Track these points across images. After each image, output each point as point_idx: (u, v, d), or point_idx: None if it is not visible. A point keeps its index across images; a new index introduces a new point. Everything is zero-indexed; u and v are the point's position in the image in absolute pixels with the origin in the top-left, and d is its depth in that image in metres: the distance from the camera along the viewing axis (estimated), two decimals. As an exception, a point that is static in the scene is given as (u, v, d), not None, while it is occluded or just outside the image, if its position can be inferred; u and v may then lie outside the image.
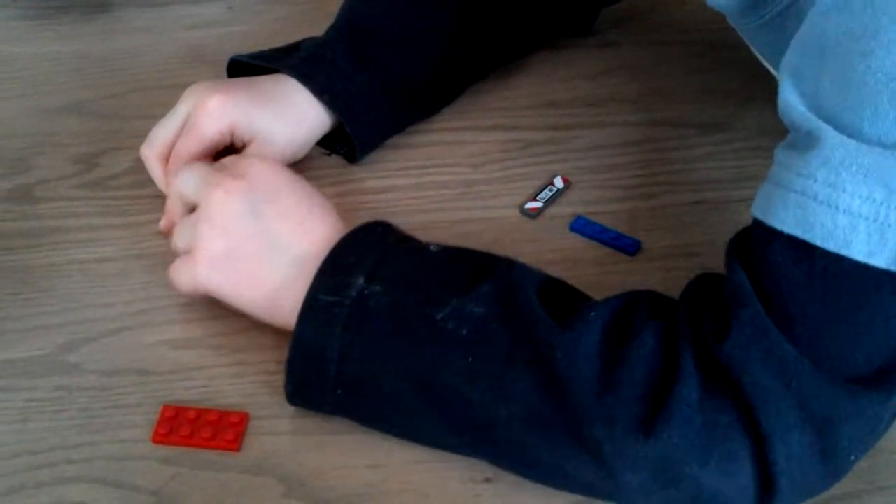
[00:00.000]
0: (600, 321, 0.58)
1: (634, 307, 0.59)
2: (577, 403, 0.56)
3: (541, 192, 0.79)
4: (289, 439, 0.64)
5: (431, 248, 0.64)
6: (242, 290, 0.65)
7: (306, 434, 0.64)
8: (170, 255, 0.72)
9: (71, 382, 0.67)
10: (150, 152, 0.75)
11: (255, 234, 0.64)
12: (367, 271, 0.61)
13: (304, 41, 0.82)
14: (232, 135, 0.75)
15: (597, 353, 0.57)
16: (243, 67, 0.80)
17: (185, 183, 0.69)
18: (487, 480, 0.62)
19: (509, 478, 0.61)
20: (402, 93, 0.81)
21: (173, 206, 0.71)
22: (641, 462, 0.55)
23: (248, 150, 0.75)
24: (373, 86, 0.79)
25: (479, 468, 0.62)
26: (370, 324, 0.60)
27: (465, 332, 0.58)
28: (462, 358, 0.58)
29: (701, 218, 0.78)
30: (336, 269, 0.62)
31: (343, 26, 0.82)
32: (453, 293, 0.60)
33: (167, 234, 0.72)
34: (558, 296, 0.61)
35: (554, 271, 0.70)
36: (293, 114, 0.77)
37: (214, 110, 0.74)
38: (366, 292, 0.61)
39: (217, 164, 0.70)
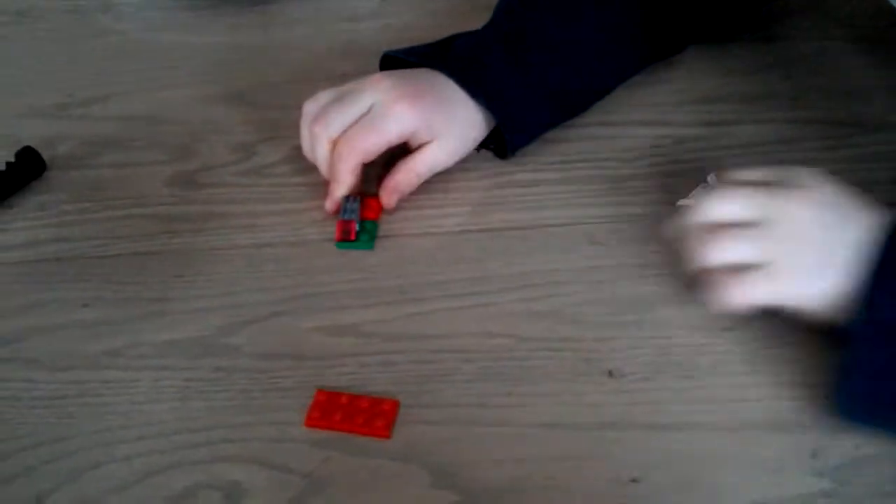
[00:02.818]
0: None
1: None
2: None
3: (694, 189, 0.78)
4: (437, 429, 0.65)
5: None
6: (816, 297, 0.65)
7: (454, 425, 0.65)
8: (326, 242, 0.76)
9: (229, 364, 0.69)
10: (326, 134, 0.76)
11: (835, 240, 0.64)
12: None
13: (457, 37, 0.82)
14: (410, 137, 0.76)
15: None
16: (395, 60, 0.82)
17: (733, 207, 0.67)
18: (633, 480, 0.61)
19: (655, 479, 0.61)
20: (556, 94, 0.81)
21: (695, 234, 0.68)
22: None
23: (424, 152, 0.76)
24: (528, 88, 0.79)
25: (627, 467, 0.62)
26: None
27: None
28: None
29: (860, 220, 0.76)
30: (882, 287, 0.62)
31: (499, 27, 0.82)
32: None
33: (333, 215, 0.77)
34: None
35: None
36: (464, 118, 0.78)
37: (400, 115, 0.75)
38: None
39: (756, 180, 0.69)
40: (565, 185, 0.80)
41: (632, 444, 0.63)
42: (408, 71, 0.79)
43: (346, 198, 0.77)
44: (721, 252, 0.66)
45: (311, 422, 0.65)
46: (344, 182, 0.76)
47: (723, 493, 0.61)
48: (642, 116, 0.86)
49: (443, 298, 0.72)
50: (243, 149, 0.85)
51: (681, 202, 0.77)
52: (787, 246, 0.65)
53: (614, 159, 0.82)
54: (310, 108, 0.78)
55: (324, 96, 0.78)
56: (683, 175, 0.80)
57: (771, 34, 0.93)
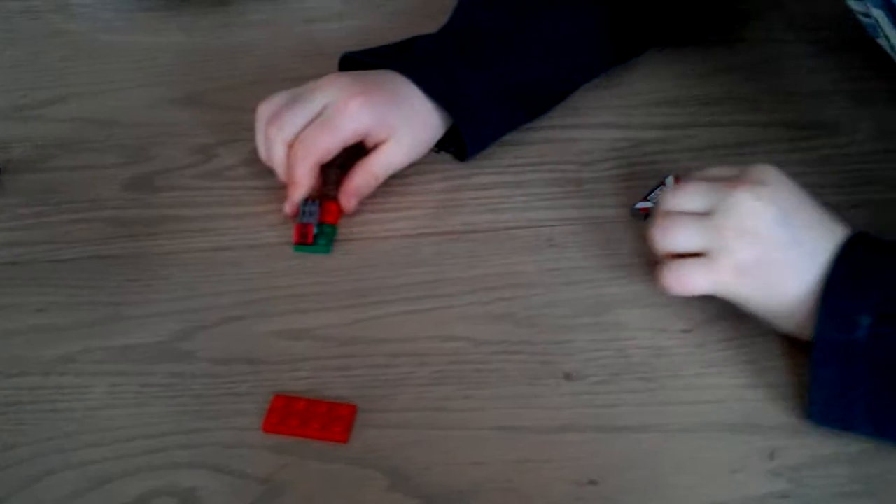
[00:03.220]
0: None
1: None
2: None
3: (652, 192, 0.79)
4: (395, 433, 0.64)
5: None
6: (764, 297, 0.65)
7: (413, 429, 0.65)
8: (285, 246, 0.75)
9: (185, 369, 0.68)
10: (281, 136, 0.75)
11: (787, 241, 0.64)
12: (873, 311, 0.61)
13: (416, 39, 0.82)
14: (365, 136, 0.76)
15: None
16: (355, 62, 0.81)
17: (690, 198, 0.67)
18: (592, 483, 0.61)
19: (613, 481, 0.61)
20: (515, 95, 0.81)
21: None
22: None
23: (380, 151, 0.76)
24: (486, 88, 0.79)
25: (585, 470, 0.62)
26: (890, 364, 0.60)
27: None
28: None
29: (817, 222, 0.76)
30: (840, 304, 0.62)
31: (457, 28, 0.82)
32: None
33: (292, 219, 0.76)
34: None
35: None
36: (420, 117, 0.78)
37: (355, 112, 0.74)
38: (877, 332, 0.60)
39: (718, 175, 0.69)
40: (524, 188, 0.80)
41: (590, 447, 0.63)
42: (364, 71, 0.79)
43: (305, 201, 0.76)
44: (669, 238, 0.66)
45: (269, 427, 0.64)
46: (302, 184, 0.76)
47: (681, 495, 0.61)
48: (601, 119, 0.86)
49: (400, 302, 0.72)
50: (201, 151, 0.84)
51: (638, 205, 0.77)
52: (729, 236, 0.64)
53: (573, 162, 0.82)
54: (263, 110, 0.78)
55: (277, 98, 0.77)
56: (642, 178, 0.80)
57: (731, 37, 0.93)
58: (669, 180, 0.79)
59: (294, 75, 0.84)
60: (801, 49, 0.92)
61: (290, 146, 0.76)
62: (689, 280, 0.66)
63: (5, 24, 0.99)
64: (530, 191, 0.80)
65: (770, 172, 0.66)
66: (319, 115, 0.75)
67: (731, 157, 0.82)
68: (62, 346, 0.70)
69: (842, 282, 0.62)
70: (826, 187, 0.79)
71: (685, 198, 0.67)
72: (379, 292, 0.73)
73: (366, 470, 0.63)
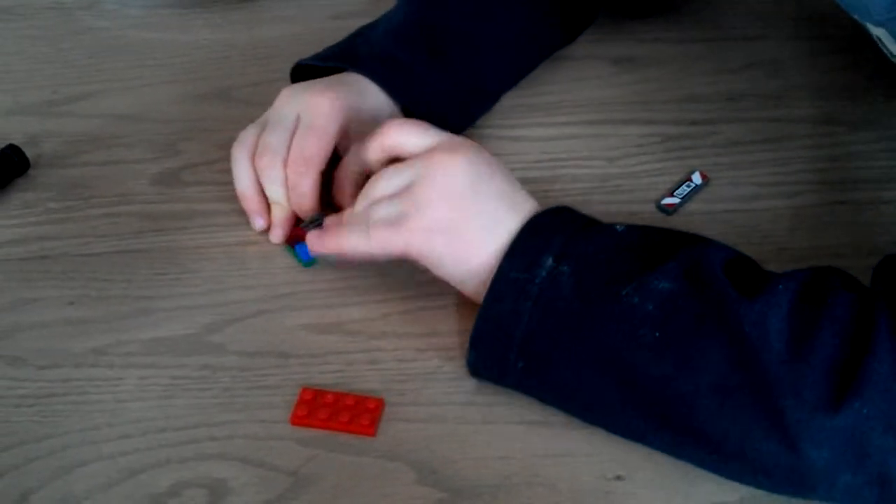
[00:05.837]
0: (789, 292, 0.58)
1: (824, 279, 0.60)
2: (768, 373, 0.56)
3: (678, 187, 0.79)
4: (423, 427, 0.65)
5: (618, 227, 0.65)
6: (451, 260, 0.66)
7: (439, 423, 0.65)
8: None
9: (215, 362, 0.69)
10: (273, 161, 0.75)
11: (475, 207, 0.65)
12: (556, 252, 0.63)
13: (360, 33, 0.84)
14: (345, 132, 0.76)
15: (786, 324, 0.57)
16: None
17: (388, 182, 0.67)
18: (619, 478, 0.62)
19: (642, 476, 0.62)
20: (473, 87, 0.83)
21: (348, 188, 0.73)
22: (828, 434, 0.55)
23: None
24: (445, 83, 0.80)
25: (612, 464, 0.62)
26: (558, 302, 0.61)
27: (651, 307, 0.59)
28: (649, 332, 0.59)
29: (845, 219, 0.76)
30: (527, 247, 0.64)
31: (413, 23, 0.83)
32: (638, 270, 0.61)
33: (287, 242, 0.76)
34: (744, 270, 0.61)
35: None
36: (376, 105, 0.78)
37: (329, 110, 0.75)
38: (555, 272, 0.62)
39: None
40: (551, 184, 0.81)
41: (617, 442, 0.63)
42: (316, 80, 0.79)
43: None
44: (365, 214, 0.67)
45: (297, 420, 0.65)
46: (310, 196, 0.74)
47: (708, 489, 0.61)
48: (629, 115, 0.86)
49: (428, 297, 0.72)
50: (229, 146, 0.84)
51: (664, 200, 0.78)
52: (422, 198, 0.65)
53: (601, 158, 0.83)
54: (240, 151, 0.77)
55: (248, 134, 0.77)
56: (668, 173, 0.81)
57: (751, 34, 0.94)
58: (696, 176, 0.79)
59: (321, 71, 0.85)
60: (826, 45, 0.92)
61: (286, 168, 0.75)
62: (383, 239, 0.66)
63: (34, 21, 1.00)
64: (557, 186, 0.80)
65: (467, 142, 0.68)
66: (297, 127, 0.75)
67: (757, 153, 0.82)
68: (93, 339, 0.70)
69: (530, 231, 0.64)
70: (853, 183, 0.79)
71: (383, 184, 0.68)
72: (407, 287, 0.73)
73: (393, 463, 0.63)
